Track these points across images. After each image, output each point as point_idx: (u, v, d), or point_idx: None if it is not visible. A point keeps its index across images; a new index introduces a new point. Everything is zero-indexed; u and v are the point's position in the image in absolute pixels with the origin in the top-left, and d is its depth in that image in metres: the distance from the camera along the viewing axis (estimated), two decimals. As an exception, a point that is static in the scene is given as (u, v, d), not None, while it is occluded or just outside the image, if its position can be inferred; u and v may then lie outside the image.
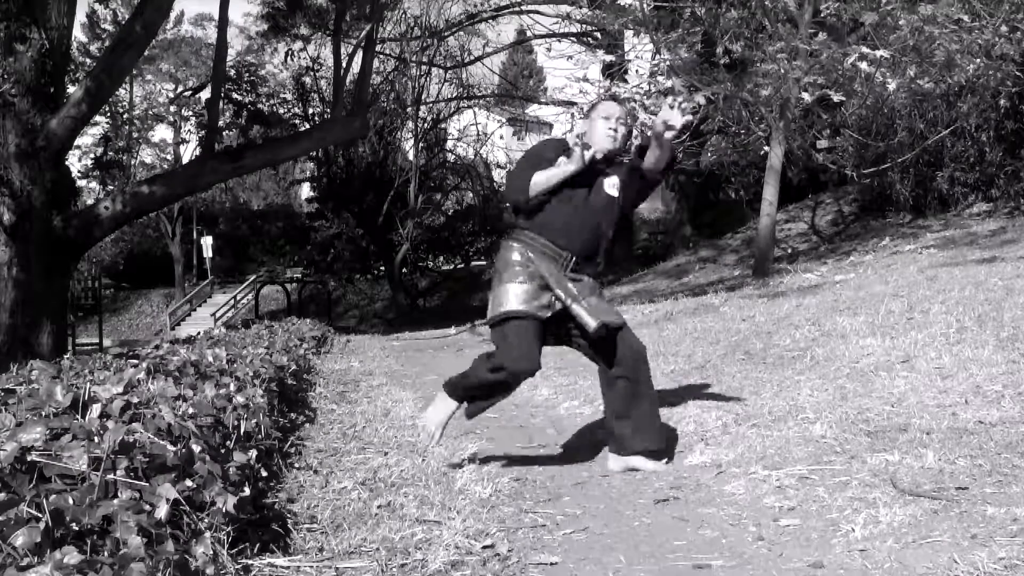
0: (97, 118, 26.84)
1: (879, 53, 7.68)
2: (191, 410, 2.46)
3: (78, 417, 2.03)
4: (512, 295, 3.01)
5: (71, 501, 1.68)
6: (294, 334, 7.45)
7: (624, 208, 3.21)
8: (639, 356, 3.08)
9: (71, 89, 11.75)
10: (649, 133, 3.07)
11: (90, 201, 22.35)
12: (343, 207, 26.50)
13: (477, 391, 3.17)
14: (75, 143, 12.31)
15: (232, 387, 3.16)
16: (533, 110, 30.86)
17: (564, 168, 3.00)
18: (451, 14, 22.10)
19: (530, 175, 3.03)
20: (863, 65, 7.85)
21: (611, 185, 3.13)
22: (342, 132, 14.02)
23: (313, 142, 15.15)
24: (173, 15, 34.60)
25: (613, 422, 3.11)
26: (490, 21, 22.24)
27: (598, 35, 17.39)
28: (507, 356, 3.01)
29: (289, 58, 23.79)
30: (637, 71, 12.82)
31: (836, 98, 8.50)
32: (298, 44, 23.45)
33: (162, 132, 38.33)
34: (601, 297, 3.11)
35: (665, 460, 3.15)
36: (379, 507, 2.63)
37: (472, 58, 23.56)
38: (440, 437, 3.31)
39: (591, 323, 2.95)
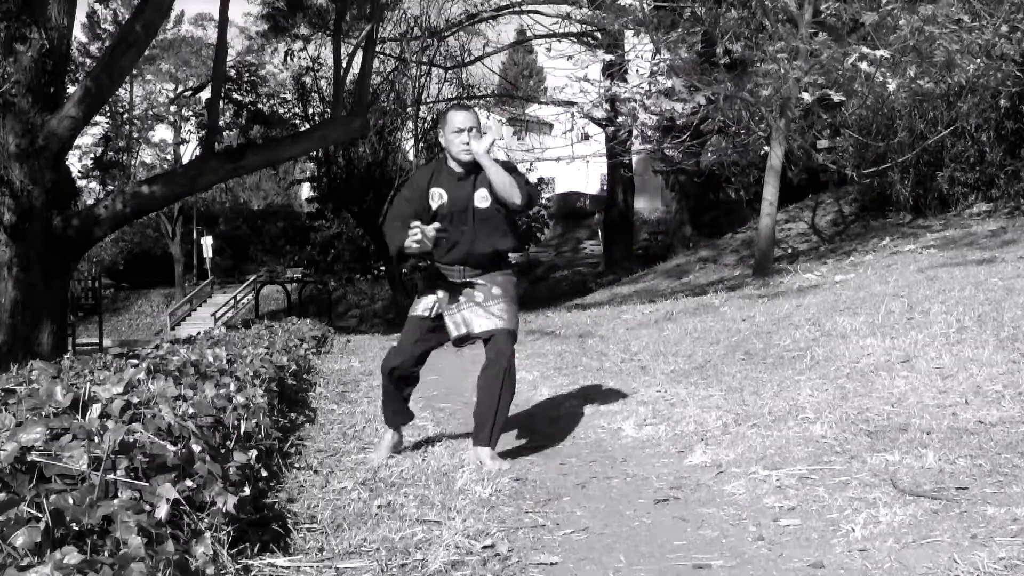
0: (97, 118, 26.84)
1: (879, 53, 7.68)
2: (191, 410, 2.46)
3: (78, 417, 2.03)
4: (416, 307, 3.41)
5: (71, 501, 1.68)
6: (294, 334, 7.45)
7: (507, 207, 3.29)
8: (502, 361, 3.22)
9: (71, 89, 11.74)
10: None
11: (90, 201, 22.33)
12: (343, 207, 26.48)
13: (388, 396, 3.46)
14: (75, 143, 12.29)
15: (232, 387, 3.17)
16: (533, 110, 30.86)
17: (412, 244, 3.12)
18: (451, 14, 22.10)
19: (395, 229, 3.26)
20: (863, 65, 7.85)
21: (481, 198, 3.28)
22: (342, 132, 14.00)
23: (313, 142, 15.12)
24: (173, 15, 34.64)
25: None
26: (490, 21, 22.24)
27: (598, 35, 17.39)
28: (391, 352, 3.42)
29: (289, 58, 23.77)
30: (637, 71, 12.83)
31: (836, 98, 8.50)
32: (298, 44, 23.42)
33: (162, 132, 38.37)
34: (493, 302, 3.30)
35: (508, 463, 3.25)
36: (379, 507, 2.63)
37: (472, 58, 23.55)
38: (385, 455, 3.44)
39: (452, 333, 3.31)
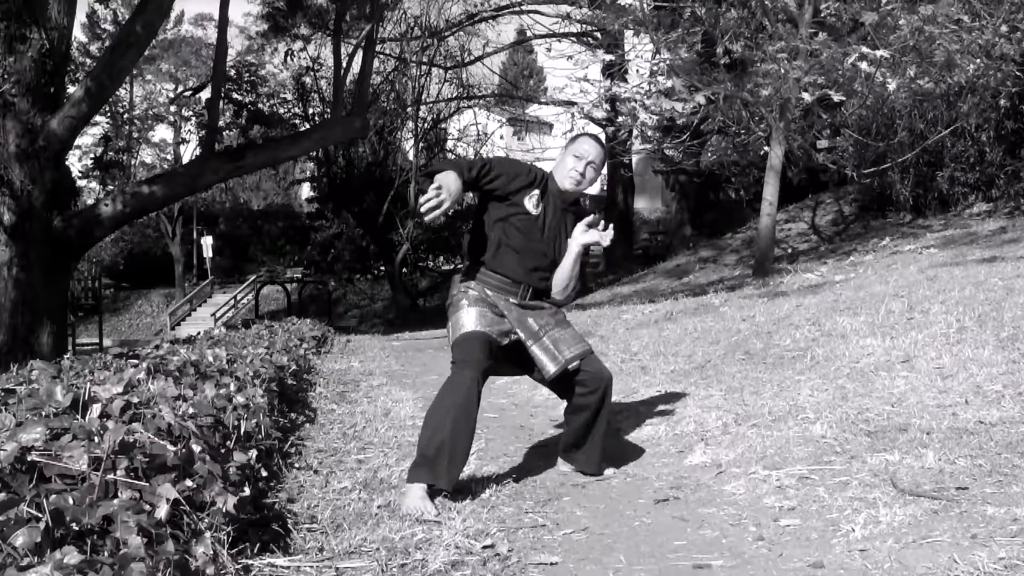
0: (97, 118, 26.90)
1: (879, 53, 7.68)
2: (191, 410, 2.46)
3: (78, 417, 2.03)
4: (470, 318, 2.88)
5: (71, 501, 1.68)
6: (294, 334, 7.45)
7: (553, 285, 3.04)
8: (605, 384, 2.94)
9: (71, 89, 11.75)
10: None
11: (90, 201, 22.36)
12: (343, 207, 26.52)
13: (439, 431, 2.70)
14: (75, 143, 12.30)
15: (232, 387, 3.17)
16: (533, 110, 30.86)
17: (431, 198, 2.69)
18: (451, 14, 22.12)
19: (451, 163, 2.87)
20: (863, 65, 7.85)
21: (569, 228, 3.00)
22: (342, 132, 14.01)
23: (313, 142, 15.13)
24: (173, 15, 34.68)
25: (570, 445, 3.09)
26: (490, 21, 22.24)
27: (598, 35, 17.39)
28: (458, 357, 2.84)
29: (289, 58, 23.79)
30: (637, 71, 12.83)
31: (836, 98, 8.50)
32: (298, 44, 23.46)
33: (162, 132, 38.44)
34: (564, 324, 3.00)
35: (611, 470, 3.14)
36: (379, 507, 2.64)
37: (472, 58, 23.55)
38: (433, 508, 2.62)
39: (550, 368, 2.87)
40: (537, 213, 2.95)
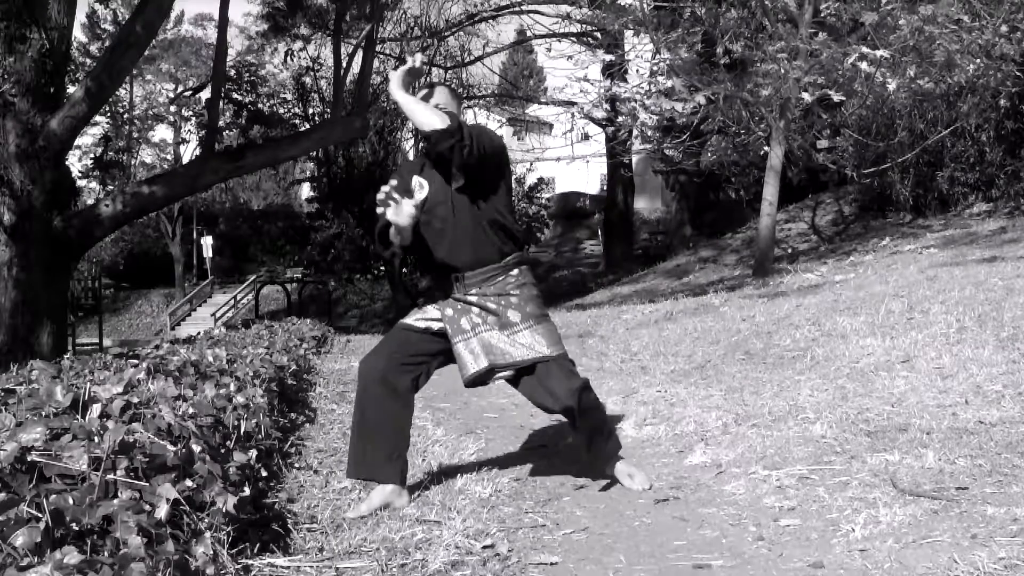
0: (97, 118, 26.90)
1: (879, 53, 7.69)
2: (191, 410, 2.46)
3: (78, 417, 2.03)
4: (406, 318, 2.80)
5: (71, 501, 1.68)
6: (294, 334, 7.45)
7: (488, 191, 2.72)
8: (564, 407, 2.68)
9: (71, 89, 11.74)
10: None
11: (90, 201, 22.37)
12: (343, 207, 26.53)
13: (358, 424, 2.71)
14: (75, 143, 12.30)
15: (232, 387, 3.16)
16: (533, 110, 30.87)
17: (379, 208, 2.68)
18: (451, 14, 22.12)
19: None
20: (863, 65, 7.86)
21: (457, 180, 2.68)
22: (342, 132, 14.01)
23: (313, 142, 15.13)
24: (173, 15, 34.68)
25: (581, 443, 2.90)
26: (490, 21, 22.26)
27: (598, 35, 17.41)
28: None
29: (289, 58, 23.81)
30: (637, 71, 12.84)
31: (836, 98, 8.51)
32: (298, 44, 23.48)
33: (162, 132, 38.48)
34: (523, 321, 2.67)
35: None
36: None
37: (472, 58, 23.57)
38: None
39: (468, 369, 2.64)
40: (423, 194, 2.74)
